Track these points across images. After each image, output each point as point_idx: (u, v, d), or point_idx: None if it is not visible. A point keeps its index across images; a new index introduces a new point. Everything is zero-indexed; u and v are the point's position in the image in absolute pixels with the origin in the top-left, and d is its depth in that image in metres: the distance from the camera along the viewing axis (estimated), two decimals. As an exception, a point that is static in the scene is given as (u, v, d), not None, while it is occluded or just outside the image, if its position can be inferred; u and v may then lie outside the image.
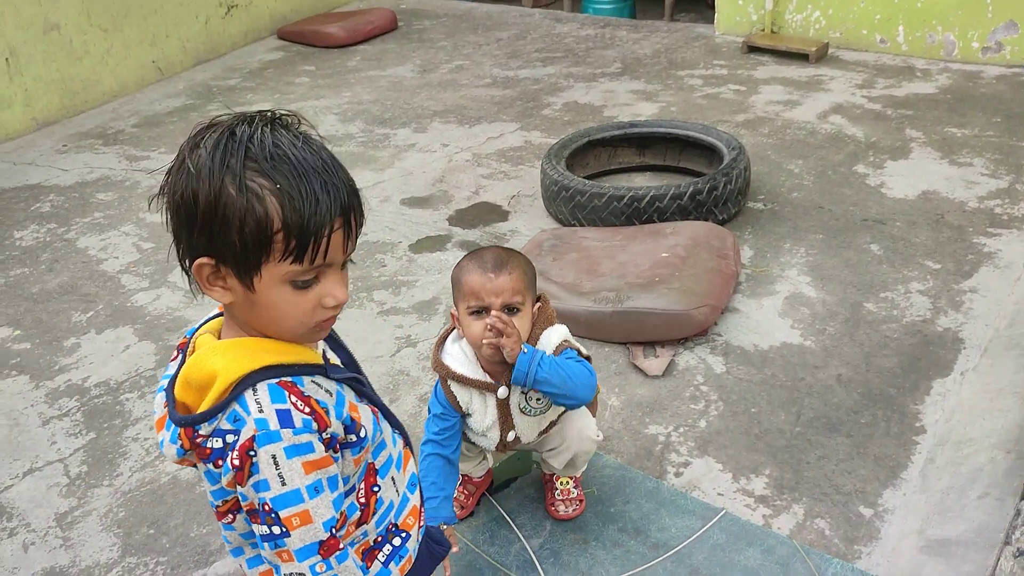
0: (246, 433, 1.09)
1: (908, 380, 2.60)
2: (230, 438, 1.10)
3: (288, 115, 1.11)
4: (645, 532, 2.15)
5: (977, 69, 4.84)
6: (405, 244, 3.52)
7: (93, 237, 3.73)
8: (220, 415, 1.11)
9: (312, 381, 1.18)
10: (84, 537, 2.26)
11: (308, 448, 1.11)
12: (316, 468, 1.13)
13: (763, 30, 5.36)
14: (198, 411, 1.12)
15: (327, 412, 1.16)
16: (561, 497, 2.18)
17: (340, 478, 1.19)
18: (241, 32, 6.07)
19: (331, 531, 1.15)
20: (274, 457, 1.09)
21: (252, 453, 1.09)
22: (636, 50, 5.53)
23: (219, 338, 1.18)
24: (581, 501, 2.20)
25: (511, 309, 1.81)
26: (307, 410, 1.12)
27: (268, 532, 1.12)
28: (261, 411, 1.10)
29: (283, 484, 1.10)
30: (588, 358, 1.99)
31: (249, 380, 1.10)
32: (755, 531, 2.12)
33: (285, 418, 1.10)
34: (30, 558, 2.21)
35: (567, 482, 2.18)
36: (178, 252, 1.12)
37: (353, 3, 6.84)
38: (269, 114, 1.09)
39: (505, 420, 1.93)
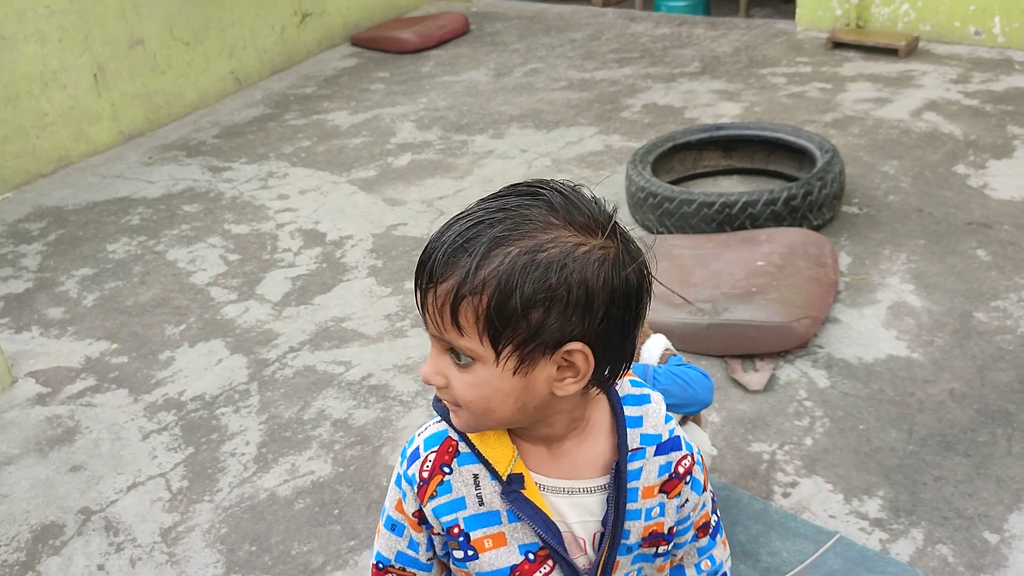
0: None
1: (1028, 395, 2.47)
2: None
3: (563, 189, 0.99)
4: (755, 556, 2.08)
5: (1080, 60, 4.61)
6: (489, 253, 3.49)
7: (181, 249, 3.79)
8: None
9: (472, 471, 1.07)
10: (189, 553, 2.28)
11: (403, 495, 1.12)
12: (402, 513, 1.13)
13: (848, 25, 5.19)
14: None
15: (432, 496, 1.08)
16: (667, 519, 2.12)
17: (425, 549, 1.14)
18: (315, 40, 6.12)
19: (378, 565, 1.17)
20: (396, 471, 1.14)
21: None
22: (715, 48, 5.41)
23: None
24: (687, 523, 2.13)
25: None
26: (424, 474, 1.08)
27: None
28: (419, 435, 1.12)
29: (386, 495, 1.17)
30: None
31: (444, 410, 1.09)
32: (873, 557, 2.03)
33: (412, 457, 1.10)
34: (138, 573, 2.24)
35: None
36: None
37: (424, 8, 6.84)
38: (548, 184, 0.99)
39: None
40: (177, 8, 5.16)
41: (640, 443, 1.08)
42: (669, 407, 1.80)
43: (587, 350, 0.96)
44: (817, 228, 3.30)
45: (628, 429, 1.08)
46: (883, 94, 4.48)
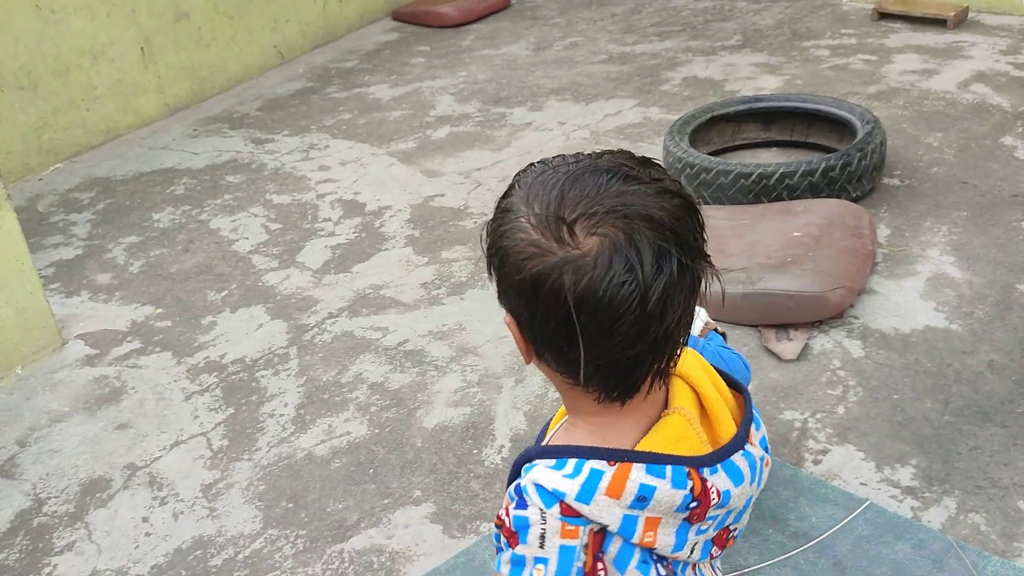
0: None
1: (1069, 367, 2.43)
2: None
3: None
4: (784, 521, 2.08)
5: None
6: (525, 224, 3.51)
7: (224, 218, 3.86)
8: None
9: None
10: (228, 508, 2.35)
11: None
12: None
13: (895, -5, 5.08)
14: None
15: None
16: (696, 483, 2.14)
17: None
18: (357, 15, 6.16)
19: None
20: None
21: None
22: (757, 21, 5.33)
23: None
24: (716, 487, 2.15)
25: None
26: None
27: None
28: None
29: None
30: (724, 335, 1.95)
31: None
32: (904, 524, 2.03)
33: None
34: (180, 526, 2.31)
35: (702, 468, 2.14)
36: None
37: (465, -18, 6.83)
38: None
39: None
40: (221, -18, 5.23)
41: (523, 469, 0.97)
42: None
43: (512, 324, 0.93)
44: (856, 200, 3.26)
45: (541, 456, 0.96)
46: (930, 65, 4.39)
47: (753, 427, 1.03)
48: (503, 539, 0.95)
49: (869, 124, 3.35)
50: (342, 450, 2.50)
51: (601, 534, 0.92)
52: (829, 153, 3.57)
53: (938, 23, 4.82)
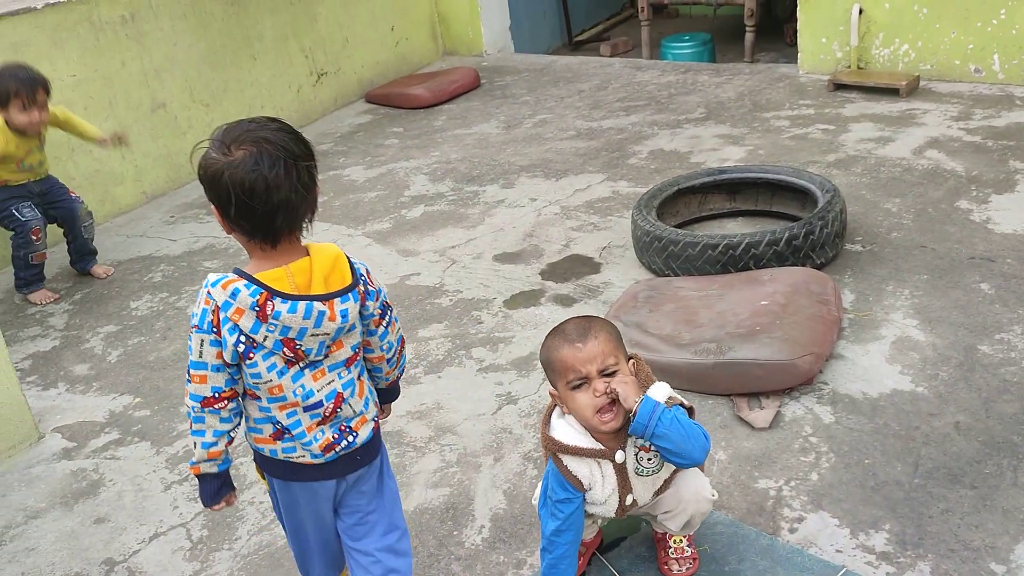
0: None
1: (1032, 426, 2.49)
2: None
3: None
4: (762, 592, 2.10)
5: (1080, 94, 4.66)
6: (500, 300, 3.57)
7: (202, 304, 3.89)
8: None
9: None
10: (208, 601, 2.33)
11: None
12: None
13: (849, 67, 5.30)
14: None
15: None
16: (675, 556, 2.16)
17: None
18: (331, 98, 6.31)
19: None
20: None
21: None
22: (719, 94, 5.52)
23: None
24: (695, 559, 2.17)
25: (608, 373, 1.83)
26: None
27: (387, 309, 1.84)
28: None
29: None
30: (691, 409, 1.98)
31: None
32: (879, 590, 2.05)
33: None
34: (159, 622, 2.29)
35: (680, 540, 2.16)
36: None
37: (436, 64, 7.03)
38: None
39: (624, 484, 1.93)
40: (197, 72, 5.35)
41: None
42: (662, 451, 1.85)
43: (215, 211, 1.64)
44: (820, 267, 3.35)
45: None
46: (885, 133, 4.56)
47: (339, 300, 1.67)
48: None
49: (829, 192, 3.46)
50: (322, 536, 2.49)
51: (219, 309, 1.63)
52: (793, 221, 3.68)
53: (891, 92, 5.02)
